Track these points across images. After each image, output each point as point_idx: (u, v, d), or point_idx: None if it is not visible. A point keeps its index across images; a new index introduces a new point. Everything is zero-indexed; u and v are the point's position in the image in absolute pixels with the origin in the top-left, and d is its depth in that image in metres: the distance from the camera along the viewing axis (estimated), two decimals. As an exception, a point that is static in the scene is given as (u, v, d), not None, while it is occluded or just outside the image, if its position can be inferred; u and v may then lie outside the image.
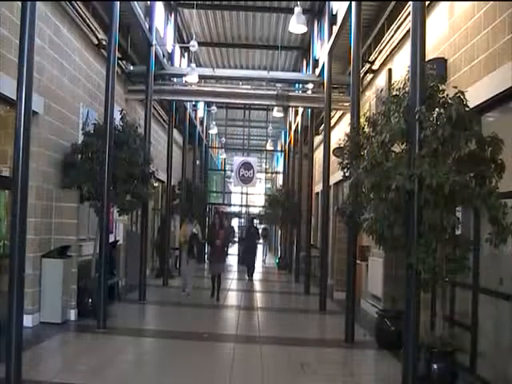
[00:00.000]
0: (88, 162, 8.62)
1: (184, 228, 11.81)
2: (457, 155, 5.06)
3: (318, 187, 16.70)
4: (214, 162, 32.59)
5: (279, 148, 31.85)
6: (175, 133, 17.54)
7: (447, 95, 5.28)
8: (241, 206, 32.39)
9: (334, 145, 11.66)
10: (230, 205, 36.19)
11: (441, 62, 6.91)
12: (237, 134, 32.51)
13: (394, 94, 5.63)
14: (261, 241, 21.37)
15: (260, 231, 21.06)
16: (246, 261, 16.51)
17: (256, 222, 20.55)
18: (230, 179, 35.28)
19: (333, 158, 11.08)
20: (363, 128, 6.68)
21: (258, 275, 18.18)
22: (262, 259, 24.34)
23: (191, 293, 11.69)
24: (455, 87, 5.25)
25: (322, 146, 12.24)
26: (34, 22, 4.99)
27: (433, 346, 5.21)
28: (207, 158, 26.57)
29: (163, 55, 14.06)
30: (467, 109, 5.08)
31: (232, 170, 26.27)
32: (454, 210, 5.25)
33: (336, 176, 12.47)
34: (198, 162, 22.81)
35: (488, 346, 5.82)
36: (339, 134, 13.45)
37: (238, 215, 35.39)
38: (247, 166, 23.06)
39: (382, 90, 9.42)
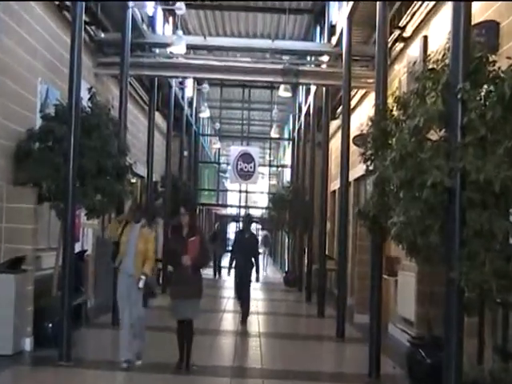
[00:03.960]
0: (48, 152, 8.62)
1: (113, 226, 8.12)
2: (510, 144, 5.01)
3: (334, 184, 16.72)
4: (206, 152, 32.68)
5: (287, 135, 31.95)
6: (158, 117, 17.54)
7: (499, 68, 5.24)
8: (239, 207, 32.47)
9: (354, 131, 11.64)
10: (225, 206, 36.23)
11: (491, 27, 6.88)
12: (234, 119, 32.50)
13: (431, 67, 5.62)
14: (260, 250, 20.37)
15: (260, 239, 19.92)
16: (237, 292, 11.99)
17: (253, 223, 16.70)
18: (226, 174, 35.37)
19: (353, 147, 11.11)
20: (391, 110, 6.68)
21: (259, 293, 18.21)
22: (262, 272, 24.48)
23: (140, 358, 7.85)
24: (509, 58, 5.19)
25: (339, 133, 12.18)
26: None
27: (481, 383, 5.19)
28: (197, 148, 26.67)
29: (142, 20, 14.02)
30: (525, 85, 5.02)
31: (228, 163, 26.30)
32: (507, 213, 5.20)
33: (357, 170, 12.47)
34: (185, 153, 22.81)
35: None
36: (361, 117, 13.47)
37: (236, 219, 35.28)
38: (247, 157, 23.15)
39: (415, 63, 9.44)
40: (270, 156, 34.48)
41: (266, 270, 26.06)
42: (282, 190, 23.66)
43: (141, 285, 7.71)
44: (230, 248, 13.41)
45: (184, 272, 7.70)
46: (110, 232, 8.25)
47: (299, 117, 23.02)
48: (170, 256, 8.18)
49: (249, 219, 12.88)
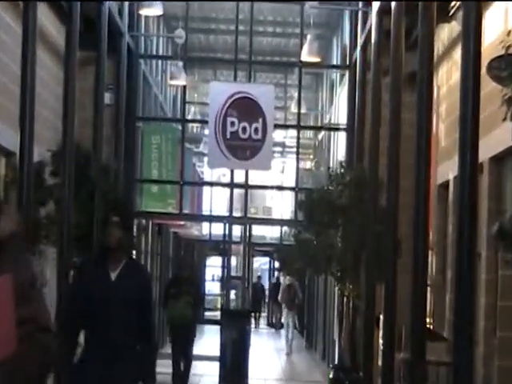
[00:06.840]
0: None
1: None
2: None
3: (445, 169, 17.59)
4: (156, 97, 33.33)
5: (336, 61, 32.78)
6: (45, 15, 18.35)
7: None
8: (228, 218, 32.20)
9: (490, 50, 12.16)
10: (200, 218, 36.06)
11: None
12: (218, 21, 33.58)
13: None
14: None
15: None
16: None
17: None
18: (201, 148, 35.16)
19: (489, 84, 11.34)
20: None
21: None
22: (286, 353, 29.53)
23: None
24: None
25: (456, 54, 13.13)
26: None
27: None
28: (135, 88, 27.32)
29: None
30: None
31: (206, 122, 25.96)
32: None
33: (497, 137, 13.19)
34: (108, 99, 23.57)
35: None
36: (507, 18, 13.97)
37: (220, 249, 34.99)
38: (247, 108, 22.94)
39: None
40: (298, 106, 34.18)
41: (291, 351, 29.73)
42: (328, 182, 23.83)
43: None
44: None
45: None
46: None
47: (365, 20, 23.92)
48: None
49: (124, 214, 10.78)
